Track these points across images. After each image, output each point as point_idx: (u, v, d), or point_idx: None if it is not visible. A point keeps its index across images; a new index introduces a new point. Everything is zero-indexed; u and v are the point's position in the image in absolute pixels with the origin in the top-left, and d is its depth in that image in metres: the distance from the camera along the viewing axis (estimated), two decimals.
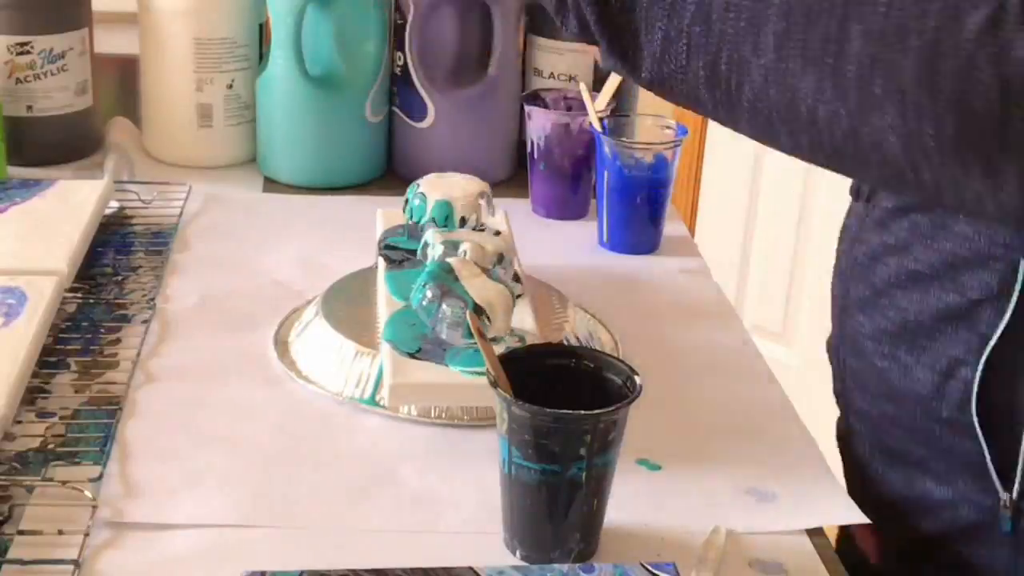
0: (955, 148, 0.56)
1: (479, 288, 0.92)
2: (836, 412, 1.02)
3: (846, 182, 0.93)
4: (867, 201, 0.90)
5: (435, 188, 1.05)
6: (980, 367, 0.81)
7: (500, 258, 1.00)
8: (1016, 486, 0.82)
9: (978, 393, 0.82)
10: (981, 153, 0.56)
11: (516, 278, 1.01)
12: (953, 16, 0.54)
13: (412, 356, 0.90)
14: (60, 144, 1.35)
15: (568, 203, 1.29)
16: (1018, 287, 0.79)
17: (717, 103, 0.64)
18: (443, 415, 0.92)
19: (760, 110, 0.62)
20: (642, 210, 1.21)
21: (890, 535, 0.92)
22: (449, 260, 0.95)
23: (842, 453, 1.00)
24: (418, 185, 1.07)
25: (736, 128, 0.66)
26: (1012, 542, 0.83)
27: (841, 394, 0.98)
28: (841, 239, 0.96)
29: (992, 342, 0.81)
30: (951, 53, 0.54)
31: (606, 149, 1.20)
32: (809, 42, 0.58)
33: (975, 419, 0.82)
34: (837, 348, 0.97)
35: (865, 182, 0.70)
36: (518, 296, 0.98)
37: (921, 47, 0.55)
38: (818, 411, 1.13)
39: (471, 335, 0.87)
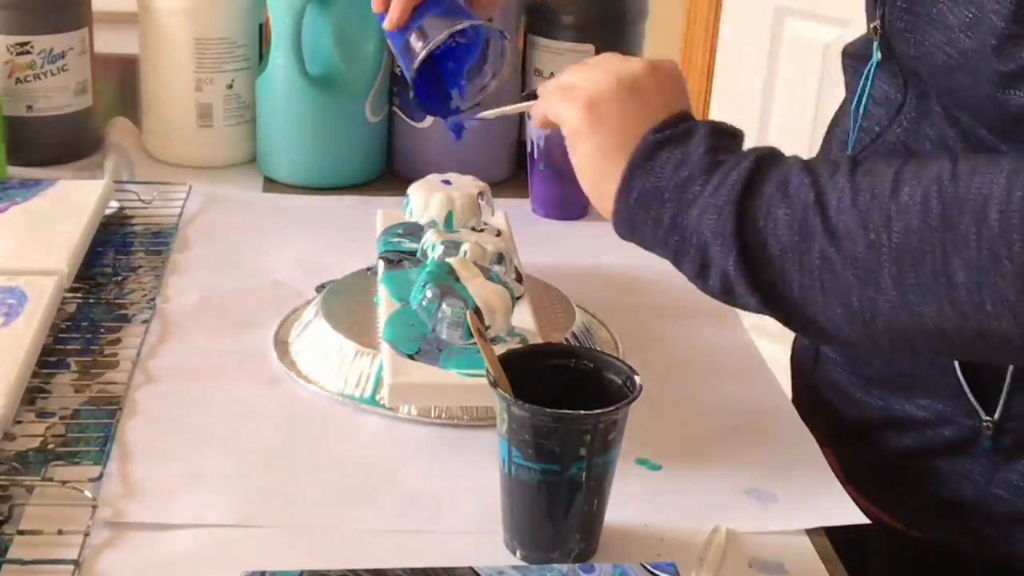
0: None
1: (478, 288, 0.92)
2: None
3: None
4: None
5: (430, 193, 1.06)
6: None
7: (500, 258, 1.00)
8: (998, 411, 0.88)
9: None
10: None
11: (518, 277, 1.01)
12: None
13: (411, 357, 0.90)
14: (60, 144, 1.35)
15: (568, 203, 1.29)
16: None
17: (859, 335, 0.74)
18: (443, 415, 0.92)
19: (896, 332, 0.73)
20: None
21: (870, 452, 0.96)
22: (449, 260, 0.95)
23: (798, 376, 1.06)
24: (408, 199, 1.07)
25: (881, 351, 0.81)
26: (991, 456, 0.89)
27: None
28: None
29: None
30: None
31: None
32: (921, 278, 0.70)
33: (956, 362, 0.88)
34: None
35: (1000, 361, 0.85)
36: (518, 297, 0.98)
37: (1015, 270, 0.67)
38: None
39: (471, 335, 0.88)
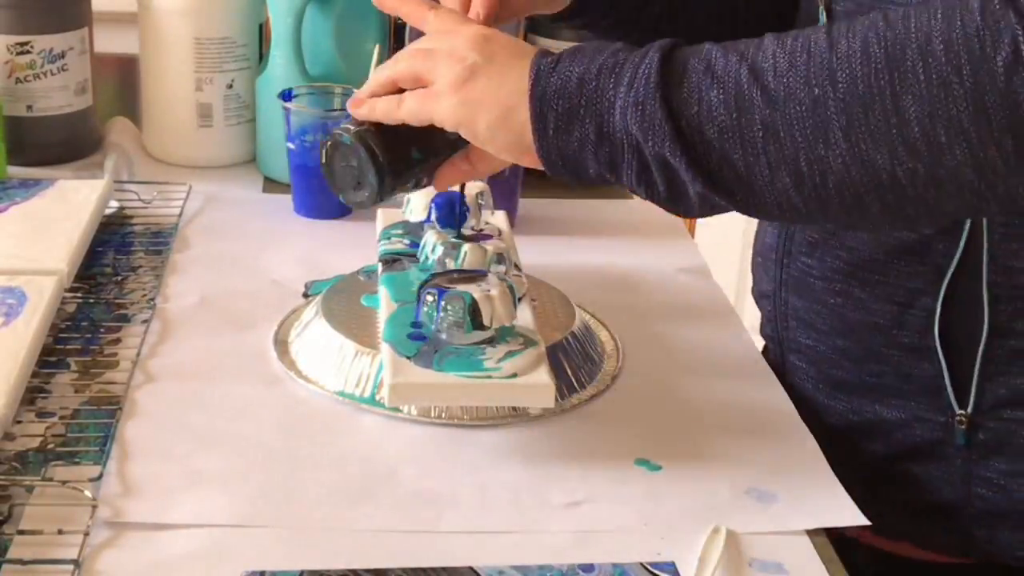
0: (1019, 158, 0.69)
1: (476, 285, 0.92)
2: None
3: None
4: None
5: (429, 193, 1.05)
6: (941, 296, 0.88)
7: (500, 258, 1.00)
8: (971, 402, 0.88)
9: (939, 319, 0.88)
10: None
11: (516, 266, 1.01)
12: (982, 62, 0.67)
13: (409, 359, 0.90)
14: (60, 144, 1.35)
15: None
16: (968, 220, 0.86)
17: (808, 201, 0.73)
18: (443, 415, 0.92)
19: (847, 192, 0.72)
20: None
21: (839, 462, 0.94)
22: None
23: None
24: (408, 199, 1.07)
25: (828, 218, 0.75)
26: (965, 454, 0.89)
27: (774, 336, 1.02)
28: None
29: (949, 273, 0.88)
30: (991, 88, 0.67)
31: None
32: (872, 123, 0.70)
33: (937, 343, 0.88)
34: (774, 293, 1.01)
35: (945, 216, 0.82)
36: (521, 297, 0.97)
37: (966, 92, 0.68)
38: None
39: (473, 328, 0.88)
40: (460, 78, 0.79)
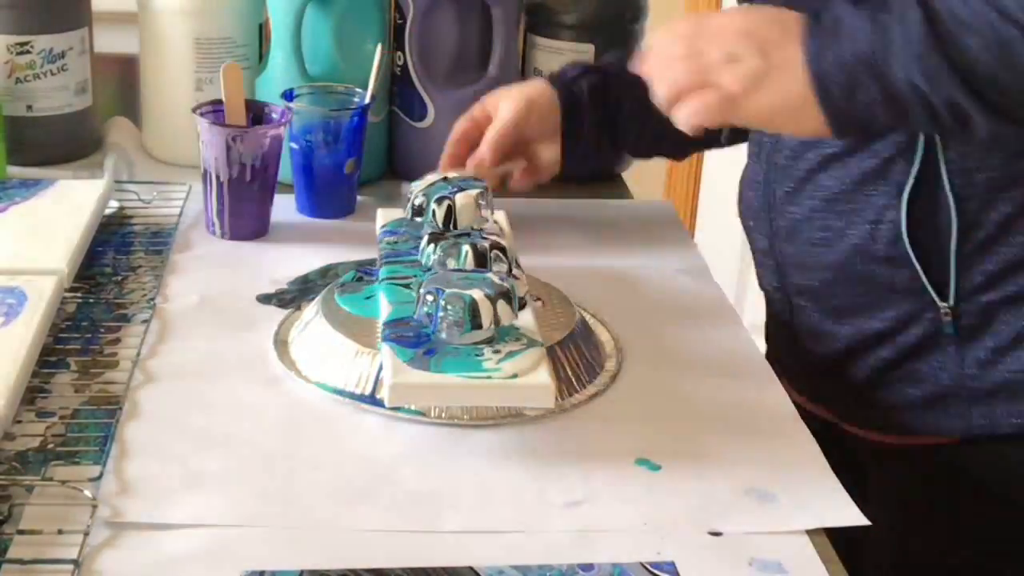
0: None
1: (476, 285, 0.92)
2: None
3: None
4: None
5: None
6: (904, 207, 0.97)
7: (500, 257, 1.00)
8: (952, 294, 0.98)
9: (907, 228, 0.97)
10: None
11: (515, 268, 1.01)
12: None
13: (409, 360, 0.90)
14: (60, 144, 1.35)
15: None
16: (921, 138, 0.95)
17: None
18: (443, 415, 0.92)
19: None
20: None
21: (852, 375, 1.05)
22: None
23: (774, 325, 1.15)
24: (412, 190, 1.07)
25: None
26: (956, 341, 0.99)
27: (779, 284, 1.10)
28: (753, 174, 1.12)
29: (908, 186, 0.97)
30: None
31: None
32: None
33: (908, 249, 0.98)
34: (770, 246, 1.10)
35: None
36: (522, 297, 0.97)
37: None
38: None
39: (472, 328, 0.88)
40: (747, 84, 0.89)
